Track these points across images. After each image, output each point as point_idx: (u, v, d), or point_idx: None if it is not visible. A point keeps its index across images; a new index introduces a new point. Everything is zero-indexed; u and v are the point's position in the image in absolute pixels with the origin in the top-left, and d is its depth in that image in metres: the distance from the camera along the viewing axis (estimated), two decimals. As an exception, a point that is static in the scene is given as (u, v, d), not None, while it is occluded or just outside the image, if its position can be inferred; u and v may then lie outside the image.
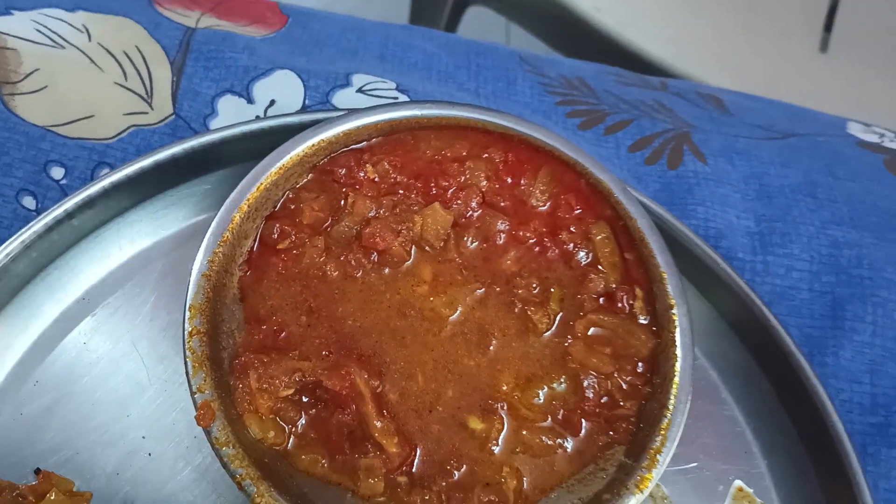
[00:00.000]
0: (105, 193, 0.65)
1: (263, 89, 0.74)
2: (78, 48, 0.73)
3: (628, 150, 0.80)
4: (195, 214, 0.70)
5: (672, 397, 0.62)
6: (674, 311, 0.64)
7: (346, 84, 0.76)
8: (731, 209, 0.75)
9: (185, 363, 0.58)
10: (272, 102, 0.74)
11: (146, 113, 0.71)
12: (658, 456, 0.60)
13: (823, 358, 0.70)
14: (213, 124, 0.72)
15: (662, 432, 0.61)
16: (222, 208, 0.63)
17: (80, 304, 0.66)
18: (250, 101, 0.73)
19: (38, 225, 0.62)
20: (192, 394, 0.57)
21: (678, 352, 0.63)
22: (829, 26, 1.60)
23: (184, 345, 0.58)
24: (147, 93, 0.72)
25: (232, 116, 0.72)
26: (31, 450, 0.61)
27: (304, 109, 0.74)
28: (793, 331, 0.70)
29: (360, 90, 0.76)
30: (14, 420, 0.62)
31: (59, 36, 0.73)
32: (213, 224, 0.62)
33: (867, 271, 0.73)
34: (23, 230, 0.62)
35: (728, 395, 0.71)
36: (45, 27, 0.73)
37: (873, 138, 0.87)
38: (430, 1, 1.70)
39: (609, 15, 1.49)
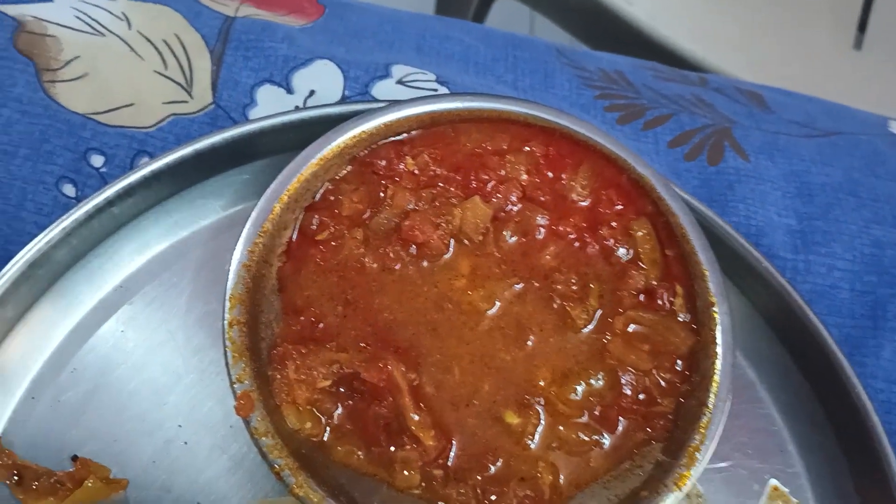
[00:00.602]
0: (145, 182, 0.65)
1: (303, 79, 0.74)
2: (118, 36, 0.73)
3: (668, 146, 0.79)
4: (233, 204, 0.70)
5: (712, 395, 0.61)
6: (715, 308, 0.64)
7: (386, 75, 0.75)
8: (771, 207, 0.74)
9: (225, 353, 0.58)
10: (312, 93, 0.73)
11: (186, 102, 0.71)
12: (697, 454, 0.59)
13: (863, 358, 0.69)
14: (253, 114, 0.72)
15: (702, 430, 0.60)
16: (262, 199, 0.63)
17: (117, 291, 0.66)
18: (290, 91, 0.73)
19: (78, 213, 0.62)
20: (232, 384, 0.57)
21: (719, 350, 0.62)
22: (862, 27, 1.58)
23: (223, 335, 0.58)
24: (187, 82, 0.72)
25: (271, 106, 0.72)
26: (69, 437, 0.61)
27: (343, 100, 0.73)
28: (832, 330, 0.69)
29: (399, 81, 0.75)
30: (52, 407, 0.62)
31: (100, 24, 0.73)
32: (254, 214, 0.62)
33: (910, 272, 0.72)
34: (63, 217, 0.62)
35: (765, 392, 0.70)
36: (86, 14, 0.73)
37: (916, 137, 0.86)
38: (458, -8, 1.69)
39: (640, 7, 1.47)
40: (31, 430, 0.61)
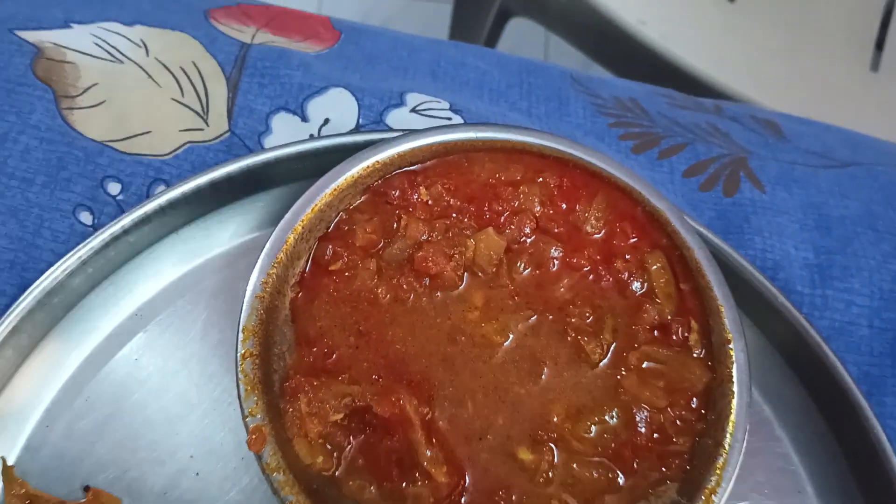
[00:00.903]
0: (161, 210, 0.65)
1: (318, 107, 0.74)
2: (136, 63, 0.73)
3: (683, 176, 0.78)
4: (247, 232, 0.70)
5: (728, 435, 0.60)
6: (731, 346, 0.63)
7: (400, 103, 0.75)
8: (788, 240, 0.73)
9: (238, 386, 0.58)
10: (326, 121, 0.73)
11: (202, 129, 0.72)
12: (713, 497, 0.58)
13: (882, 398, 0.68)
14: (268, 142, 0.72)
15: (718, 472, 0.59)
16: (277, 229, 0.63)
17: (132, 319, 0.66)
18: (304, 119, 0.73)
19: (95, 241, 0.63)
20: (244, 417, 0.57)
21: (735, 388, 0.62)
22: (880, 45, 1.57)
23: (236, 368, 0.58)
24: (203, 109, 0.72)
25: (286, 134, 0.72)
26: (81, 466, 0.61)
27: (357, 129, 0.73)
28: (851, 368, 0.68)
29: (413, 110, 0.75)
30: (65, 436, 0.62)
31: (118, 50, 0.73)
32: (268, 245, 0.62)
33: (931, 309, 0.71)
34: (80, 246, 0.62)
35: (782, 431, 0.69)
36: (104, 41, 0.74)
37: (934, 168, 0.85)
38: (472, 13, 1.69)
39: (653, 28, 1.47)
40: (45, 459, 0.61)
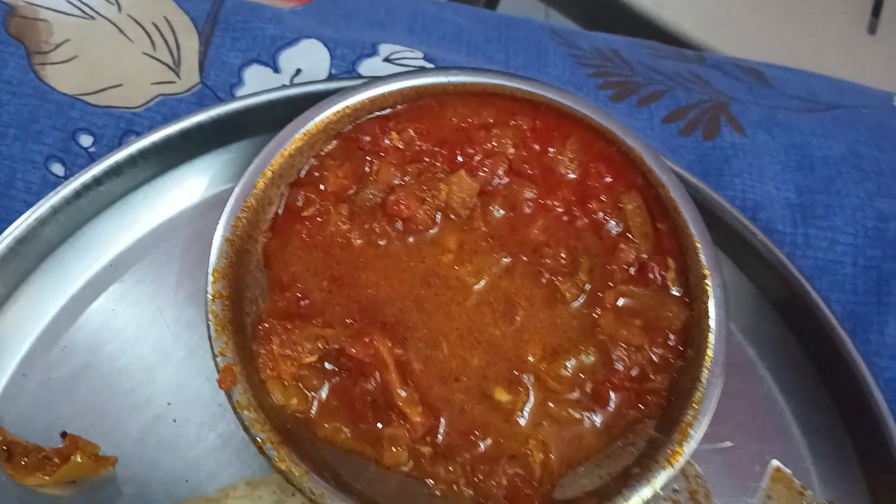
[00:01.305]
0: (132, 160, 0.65)
1: (290, 58, 0.73)
2: (108, 19, 0.73)
3: (662, 122, 0.77)
4: (222, 183, 0.70)
5: (705, 370, 0.59)
6: (707, 281, 0.62)
7: (373, 53, 0.75)
8: (769, 181, 0.72)
9: (208, 326, 0.58)
10: (298, 71, 0.73)
11: (173, 82, 0.71)
12: (690, 430, 0.58)
13: (867, 335, 0.67)
14: (240, 93, 0.72)
15: (695, 406, 0.58)
16: (245, 174, 0.62)
17: (107, 270, 0.66)
18: (276, 70, 0.73)
19: (66, 190, 0.63)
20: (214, 357, 0.57)
21: (711, 323, 0.61)
22: (877, 11, 1.55)
23: (206, 308, 0.58)
24: (175, 62, 0.72)
25: (258, 86, 0.72)
26: (58, 414, 0.61)
27: (330, 78, 0.73)
28: (835, 307, 0.67)
29: (386, 59, 0.75)
30: (42, 384, 0.62)
31: (90, 7, 0.73)
32: (237, 190, 0.62)
33: (916, 246, 0.69)
34: (51, 194, 0.62)
35: (766, 372, 0.68)
36: (77, -2, 0.74)
37: (922, 111, 0.83)
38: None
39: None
40: (21, 407, 0.61)
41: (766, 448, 0.65)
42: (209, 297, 0.58)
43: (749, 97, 0.81)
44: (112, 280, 0.66)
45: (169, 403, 0.63)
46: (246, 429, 0.55)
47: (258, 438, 0.55)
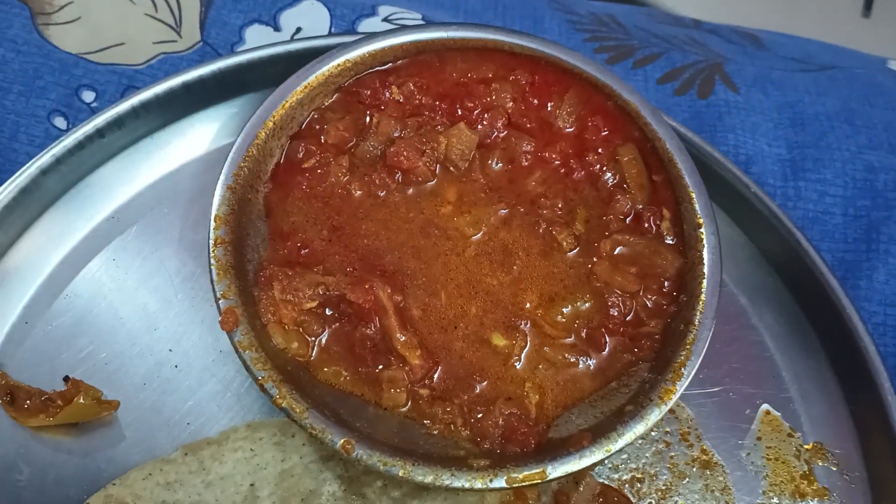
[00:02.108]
0: (134, 112, 0.66)
1: (290, 18, 0.74)
2: (110, -21, 0.74)
3: (657, 83, 0.79)
4: (224, 137, 0.71)
5: (698, 314, 0.61)
6: (701, 230, 0.63)
7: (372, 14, 0.76)
8: (762, 137, 0.73)
9: (210, 270, 0.59)
10: (298, 30, 0.74)
11: (175, 41, 0.72)
12: (682, 370, 0.59)
13: (857, 281, 0.68)
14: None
15: (687, 347, 0.59)
16: (247, 125, 0.63)
17: (109, 222, 0.67)
18: (277, 29, 0.74)
19: (68, 140, 0.64)
20: (217, 300, 0.58)
21: (705, 269, 0.62)
22: (869, 3, 1.57)
23: (209, 253, 0.59)
24: (176, 22, 0.73)
25: (259, 44, 0.72)
26: (62, 360, 0.62)
27: (331, 34, 0.74)
28: (826, 255, 0.69)
29: (385, 20, 0.76)
30: (45, 332, 0.63)
31: (92, -33, 0.74)
32: (239, 140, 0.63)
33: (905, 194, 0.71)
34: (53, 144, 0.63)
35: (757, 320, 0.69)
36: (79, -41, 0.75)
37: (915, 74, 0.84)
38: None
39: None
40: (25, 353, 0.62)
41: (756, 392, 0.66)
42: (211, 242, 0.59)
43: (744, 58, 0.82)
44: (114, 231, 0.67)
45: (171, 350, 0.64)
46: (248, 368, 0.56)
47: (259, 377, 0.56)
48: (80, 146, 0.64)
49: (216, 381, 0.63)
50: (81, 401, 0.59)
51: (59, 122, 0.68)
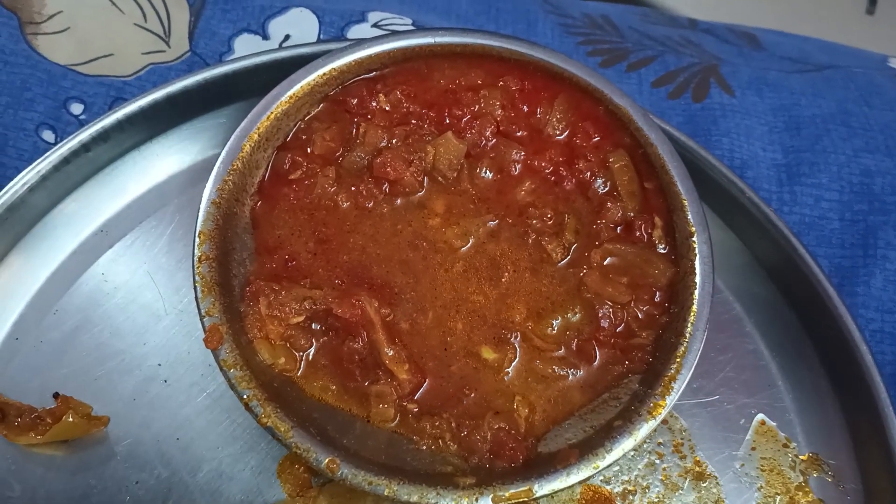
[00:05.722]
0: (119, 126, 0.66)
1: (279, 26, 0.74)
2: (98, -10, 0.74)
3: (651, 86, 0.77)
4: (211, 148, 0.70)
5: (689, 325, 0.60)
6: (694, 238, 0.62)
7: (362, 20, 0.75)
8: (757, 141, 0.72)
9: (195, 287, 0.58)
10: (287, 38, 0.73)
11: (164, 51, 0.72)
12: (672, 383, 0.58)
13: (854, 288, 0.67)
14: (228, 60, 0.72)
15: (678, 360, 0.59)
16: (232, 137, 0.63)
17: (97, 236, 0.67)
18: (266, 37, 0.73)
19: (53, 156, 0.63)
20: (201, 317, 0.58)
21: (697, 279, 0.61)
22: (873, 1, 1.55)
23: (193, 270, 0.59)
24: (165, 32, 0.73)
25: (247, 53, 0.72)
26: (51, 376, 0.62)
27: (317, 41, 0.73)
28: (822, 261, 0.67)
29: (375, 25, 0.75)
30: (35, 348, 0.63)
31: (80, -22, 0.74)
32: (223, 153, 0.62)
33: (903, 198, 0.69)
34: (38, 161, 0.63)
35: (752, 328, 0.68)
36: (67, -30, 0.74)
37: (917, 72, 0.83)
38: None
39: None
40: (14, 370, 0.62)
41: (751, 402, 0.65)
42: (196, 258, 0.59)
43: (740, 59, 0.80)
44: (103, 245, 0.67)
45: (160, 365, 0.64)
46: (232, 386, 0.56)
47: (244, 396, 0.56)
48: (65, 161, 0.64)
49: (205, 395, 0.63)
50: (70, 419, 0.59)
51: (48, 136, 0.68)
